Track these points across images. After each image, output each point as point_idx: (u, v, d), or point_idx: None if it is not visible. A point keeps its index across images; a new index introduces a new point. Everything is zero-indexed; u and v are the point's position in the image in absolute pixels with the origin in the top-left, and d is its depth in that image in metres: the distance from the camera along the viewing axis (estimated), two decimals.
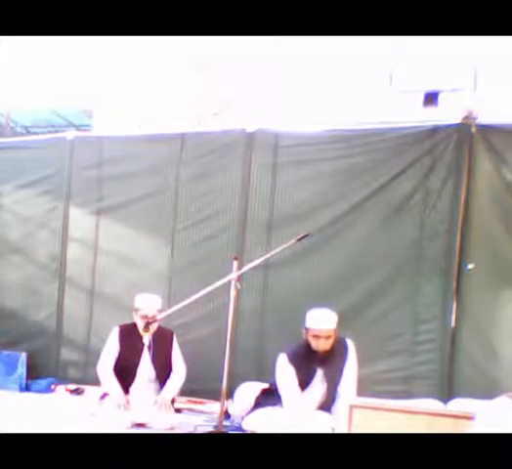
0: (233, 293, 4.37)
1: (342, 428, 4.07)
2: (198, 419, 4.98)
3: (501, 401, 3.48)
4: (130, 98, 8.36)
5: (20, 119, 10.57)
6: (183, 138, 5.77)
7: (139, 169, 5.88)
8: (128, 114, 8.22)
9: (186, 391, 5.16)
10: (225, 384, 4.30)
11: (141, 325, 4.93)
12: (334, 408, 4.47)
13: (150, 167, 5.84)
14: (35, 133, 9.35)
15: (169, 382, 4.96)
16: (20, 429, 4.10)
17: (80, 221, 6.11)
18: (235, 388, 4.99)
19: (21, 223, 6.34)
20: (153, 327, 4.90)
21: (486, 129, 4.90)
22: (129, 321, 5.08)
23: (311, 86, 7.67)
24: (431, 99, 7.43)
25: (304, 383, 4.47)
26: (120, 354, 5.01)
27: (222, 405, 4.32)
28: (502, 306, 4.84)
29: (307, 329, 4.44)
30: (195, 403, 5.45)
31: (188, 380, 5.03)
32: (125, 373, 4.94)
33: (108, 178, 6.00)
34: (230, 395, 4.71)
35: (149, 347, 4.98)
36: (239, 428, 4.63)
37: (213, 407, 5.20)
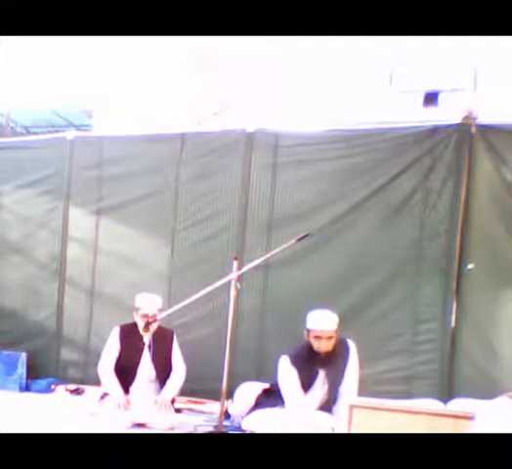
0: (233, 293, 4.37)
1: (342, 428, 4.07)
2: (198, 419, 4.98)
3: (501, 401, 3.48)
4: (130, 98, 8.35)
5: (20, 119, 10.56)
6: (183, 138, 5.77)
7: (139, 169, 5.88)
8: (128, 114, 8.21)
9: (186, 391, 5.16)
10: (225, 384, 4.30)
11: (141, 325, 4.93)
12: (335, 409, 4.47)
13: (150, 167, 5.84)
14: (35, 133, 9.34)
15: (169, 382, 4.96)
16: (20, 429, 4.10)
17: (80, 221, 6.11)
18: (235, 388, 5.00)
19: (20, 223, 6.34)
20: (153, 327, 4.90)
21: (486, 129, 4.90)
22: (129, 321, 5.09)
23: (311, 86, 7.66)
24: (431, 99, 7.43)
25: (306, 385, 4.47)
26: (121, 353, 5.01)
27: (222, 405, 4.33)
28: (502, 306, 4.85)
29: (308, 331, 4.44)
30: (195, 403, 5.45)
31: (188, 380, 5.03)
32: (125, 373, 4.94)
33: (108, 178, 6.01)
34: (230, 395, 4.71)
35: (149, 347, 4.98)
36: (239, 428, 4.63)
37: (213, 407, 5.20)
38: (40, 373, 6.06)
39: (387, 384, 4.98)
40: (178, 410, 5.10)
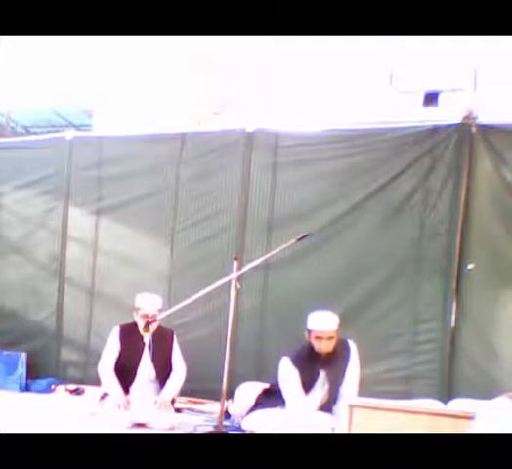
0: (233, 293, 4.37)
1: (342, 428, 4.07)
2: (198, 419, 4.98)
3: (501, 401, 3.48)
4: (130, 98, 8.35)
5: (20, 119, 10.56)
6: (182, 138, 5.77)
7: (138, 169, 5.88)
8: (128, 114, 8.21)
9: (186, 391, 5.16)
10: (225, 384, 4.30)
11: (141, 325, 4.93)
12: (335, 409, 4.47)
13: (150, 167, 5.84)
14: (35, 133, 9.33)
15: (169, 382, 4.96)
16: (20, 429, 4.10)
17: (80, 221, 6.10)
18: (235, 388, 5.00)
19: (20, 223, 6.34)
20: (153, 327, 4.90)
21: (486, 129, 4.90)
22: (129, 321, 5.09)
23: (311, 86, 7.66)
24: (431, 99, 7.43)
25: (307, 385, 4.47)
26: (121, 353, 5.01)
27: (222, 405, 4.33)
28: (502, 306, 4.84)
29: (309, 331, 4.44)
30: (195, 403, 5.45)
31: (188, 380, 5.03)
32: (125, 373, 4.94)
33: (108, 178, 6.00)
34: (230, 395, 4.71)
35: (149, 347, 4.98)
36: (239, 428, 4.63)
37: (213, 407, 5.20)
38: (40, 373, 6.06)
39: (387, 384, 4.98)
40: (178, 410, 5.10)
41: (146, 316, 4.91)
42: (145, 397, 4.88)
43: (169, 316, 4.84)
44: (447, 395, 4.81)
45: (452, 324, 4.93)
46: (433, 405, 4.62)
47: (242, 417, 4.68)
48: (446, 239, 4.95)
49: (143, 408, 4.78)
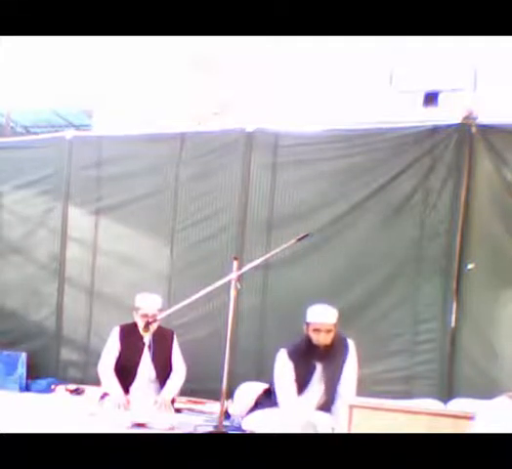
0: (233, 293, 4.37)
1: (342, 428, 4.07)
2: (198, 419, 4.98)
3: (501, 401, 3.48)
4: (130, 98, 8.35)
5: (20, 119, 10.56)
6: (182, 137, 5.77)
7: (138, 169, 5.88)
8: (128, 114, 8.21)
9: (186, 391, 5.16)
10: (225, 384, 4.30)
11: (141, 325, 4.93)
12: (334, 408, 4.47)
13: (150, 167, 5.84)
14: (35, 133, 9.33)
15: (169, 382, 4.96)
16: (20, 429, 4.10)
17: (79, 221, 6.10)
18: (235, 388, 5.00)
19: (20, 223, 6.33)
20: (153, 327, 4.90)
21: (486, 129, 4.90)
22: (129, 321, 5.08)
23: (311, 86, 7.66)
24: (431, 99, 7.43)
25: (303, 379, 4.48)
26: (121, 353, 5.01)
27: (222, 405, 4.32)
28: (502, 306, 4.85)
29: (308, 324, 4.47)
30: (195, 403, 5.45)
31: (188, 380, 5.03)
32: (125, 373, 4.94)
33: (108, 177, 6.00)
34: (230, 395, 4.71)
35: (149, 347, 4.98)
36: (239, 428, 4.63)
37: (213, 407, 5.20)
38: (40, 373, 6.06)
39: (387, 384, 4.98)
40: (178, 410, 5.10)
41: (145, 315, 4.91)
42: (145, 397, 4.88)
43: (169, 316, 4.84)
44: (447, 395, 4.81)
45: (452, 324, 4.93)
46: (433, 404, 4.62)
47: (242, 417, 4.68)
48: (446, 239, 4.95)
49: (143, 408, 4.77)
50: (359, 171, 5.20)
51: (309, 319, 4.47)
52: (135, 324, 5.02)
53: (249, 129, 5.56)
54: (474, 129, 4.92)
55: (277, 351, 4.64)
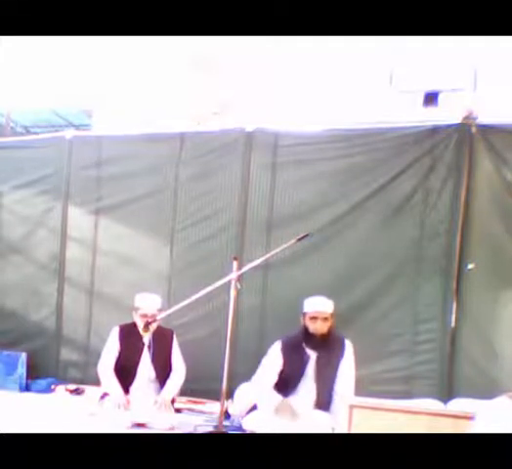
0: (233, 293, 4.38)
1: (342, 427, 4.07)
2: (198, 419, 4.98)
3: (501, 401, 3.48)
4: (130, 98, 8.35)
5: (20, 119, 10.56)
6: (182, 137, 5.77)
7: (138, 169, 5.87)
8: (128, 114, 8.21)
9: (186, 391, 5.16)
10: (225, 384, 4.30)
11: (141, 325, 4.93)
12: (333, 408, 4.48)
13: (149, 167, 5.83)
14: (35, 133, 9.33)
15: (169, 382, 4.96)
16: (20, 429, 4.10)
17: (79, 220, 6.10)
18: (235, 388, 4.99)
19: (20, 222, 6.33)
20: (153, 327, 4.90)
21: (486, 129, 4.90)
22: (129, 321, 5.08)
23: (311, 86, 7.66)
24: (431, 99, 7.43)
25: (298, 370, 4.53)
26: (120, 353, 5.01)
27: (222, 405, 4.32)
28: (502, 306, 4.84)
29: (304, 314, 4.60)
30: (195, 403, 5.45)
31: (188, 380, 5.03)
32: (125, 373, 4.94)
33: (107, 177, 6.00)
34: (230, 395, 4.71)
35: (148, 347, 4.98)
36: (239, 428, 4.63)
37: (213, 407, 5.20)
38: (40, 373, 6.06)
39: (387, 384, 4.98)
40: (178, 410, 5.09)
41: (145, 315, 4.91)
42: (145, 397, 4.88)
43: (169, 316, 4.84)
44: (447, 395, 4.81)
45: (452, 324, 4.93)
46: (433, 405, 4.62)
47: (242, 417, 4.68)
48: (446, 239, 4.95)
49: (143, 408, 4.77)
50: (359, 171, 5.20)
51: (306, 309, 4.61)
52: (134, 324, 5.02)
53: (249, 129, 5.55)
54: (474, 129, 4.92)
55: None
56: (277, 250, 4.75)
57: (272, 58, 7.88)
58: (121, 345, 5.02)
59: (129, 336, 5.01)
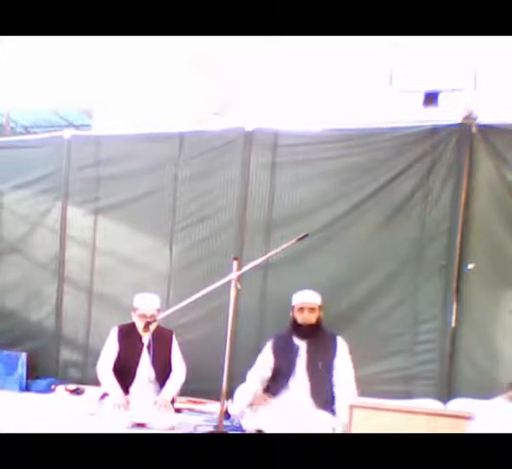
0: (233, 293, 4.38)
1: (346, 428, 4.08)
2: (198, 419, 4.98)
3: (498, 402, 3.47)
4: (130, 98, 8.34)
5: (19, 119, 10.56)
6: (181, 137, 5.77)
7: (137, 168, 5.87)
8: (128, 115, 8.20)
9: (186, 391, 5.15)
10: (225, 384, 4.30)
11: (140, 325, 4.93)
12: (336, 409, 4.49)
13: (149, 166, 5.83)
14: (35, 133, 9.32)
15: (169, 382, 4.96)
16: (20, 429, 4.10)
17: (79, 220, 6.10)
18: (235, 388, 4.99)
19: (19, 222, 6.33)
20: (153, 327, 4.90)
21: (486, 129, 4.90)
22: (128, 321, 5.08)
23: (311, 86, 7.65)
24: (431, 99, 7.42)
25: (288, 361, 4.64)
26: (119, 354, 5.01)
27: (222, 405, 4.33)
28: (502, 306, 4.84)
29: (293, 307, 4.78)
30: (195, 403, 5.45)
31: (188, 380, 5.03)
32: (125, 373, 4.94)
33: (107, 177, 6.00)
34: (230, 395, 4.71)
35: (148, 347, 4.98)
36: (239, 428, 4.63)
37: (213, 407, 5.20)
38: (40, 373, 6.06)
39: (387, 384, 4.98)
40: (178, 410, 5.09)
41: (144, 316, 4.91)
42: (144, 397, 4.88)
43: (169, 316, 4.84)
44: (446, 395, 4.81)
45: (452, 324, 4.93)
46: (433, 405, 4.62)
47: (242, 417, 4.68)
48: (446, 239, 4.95)
49: (143, 409, 4.77)
50: (359, 171, 5.20)
51: (293, 302, 4.80)
52: (133, 325, 5.02)
53: (248, 128, 5.55)
54: (474, 129, 4.92)
55: None
56: (277, 250, 4.75)
57: (272, 58, 7.87)
58: (120, 345, 5.01)
59: (128, 336, 5.01)
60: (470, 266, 4.87)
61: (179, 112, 7.90)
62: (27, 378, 6.00)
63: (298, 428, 4.21)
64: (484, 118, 4.96)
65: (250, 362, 5.08)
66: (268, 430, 4.36)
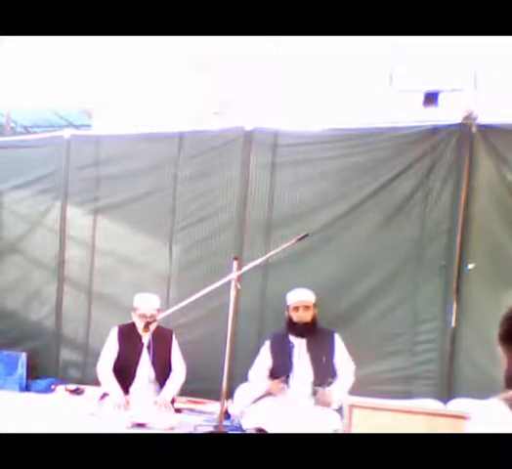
0: (233, 293, 4.38)
1: (345, 401, 4.14)
2: (198, 419, 4.98)
3: (493, 402, 3.47)
4: (130, 98, 8.34)
5: (19, 119, 10.56)
6: (181, 137, 5.77)
7: (136, 168, 5.88)
8: (128, 115, 8.21)
9: (186, 391, 5.16)
10: (225, 384, 4.30)
11: (140, 325, 4.93)
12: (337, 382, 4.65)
13: (148, 166, 5.83)
14: (35, 133, 9.32)
15: (169, 382, 4.96)
16: (20, 429, 4.10)
17: (78, 220, 6.11)
18: (235, 388, 4.99)
19: (19, 222, 6.33)
20: (153, 327, 4.90)
21: (486, 129, 4.90)
22: (128, 321, 5.08)
23: (311, 86, 7.65)
24: (431, 99, 7.42)
25: (286, 355, 4.69)
26: (119, 354, 5.01)
27: (222, 405, 4.33)
28: (502, 306, 4.83)
29: (288, 306, 4.83)
30: (195, 403, 5.45)
31: (188, 380, 5.03)
32: (125, 373, 4.94)
33: (106, 177, 6.00)
34: (230, 395, 4.71)
35: (148, 347, 4.98)
36: (239, 428, 4.63)
37: (213, 407, 5.20)
38: (40, 373, 6.06)
39: (387, 384, 4.98)
40: (178, 410, 5.10)
41: (143, 316, 4.91)
42: (144, 397, 4.88)
43: (169, 316, 4.84)
44: (446, 395, 4.82)
45: (452, 324, 4.93)
46: (433, 405, 4.62)
47: (242, 417, 4.68)
48: (446, 239, 4.95)
49: (143, 409, 4.77)
50: (359, 171, 5.20)
51: (288, 302, 4.84)
52: (133, 325, 5.02)
53: (248, 128, 5.55)
54: (474, 129, 4.92)
55: None
56: (278, 250, 4.75)
57: (272, 58, 7.87)
58: (120, 345, 5.02)
59: (128, 336, 5.01)
60: (470, 266, 4.87)
61: (179, 112, 7.90)
62: (27, 378, 6.00)
63: (300, 427, 4.22)
64: (484, 118, 4.96)
65: (250, 362, 5.09)
66: (269, 428, 4.36)
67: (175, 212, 5.74)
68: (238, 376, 4.90)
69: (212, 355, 4.93)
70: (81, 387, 5.87)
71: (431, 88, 7.48)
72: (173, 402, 4.97)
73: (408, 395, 4.88)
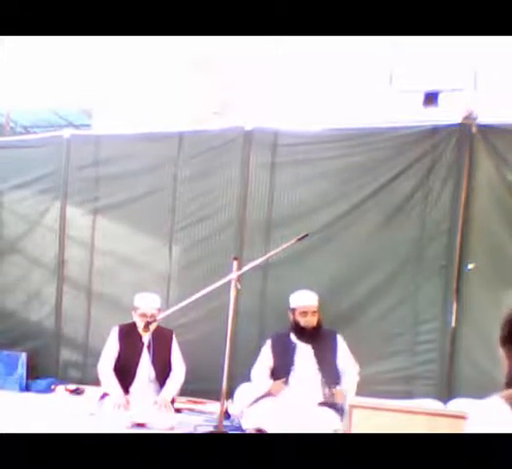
0: (233, 293, 4.37)
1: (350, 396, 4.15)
2: (198, 419, 4.98)
3: (493, 401, 3.47)
4: (130, 98, 8.34)
5: (19, 119, 10.56)
6: (180, 136, 5.76)
7: (136, 168, 5.87)
8: (128, 115, 8.21)
9: (186, 391, 5.16)
10: (225, 384, 4.30)
11: (140, 325, 4.93)
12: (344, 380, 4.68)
13: (148, 166, 5.83)
14: (35, 133, 9.32)
15: (169, 382, 4.96)
16: (20, 429, 4.10)
17: (78, 220, 6.10)
18: (235, 388, 4.99)
19: (19, 222, 6.33)
20: (153, 327, 4.90)
21: (486, 129, 4.90)
22: (129, 321, 5.08)
23: (311, 86, 7.65)
24: (431, 99, 7.42)
25: (286, 360, 4.69)
26: (120, 353, 5.01)
27: (222, 405, 4.33)
28: (502, 306, 4.84)
29: (294, 310, 4.77)
30: (195, 403, 5.45)
31: (188, 380, 5.03)
32: (125, 373, 4.94)
33: (106, 177, 6.00)
34: (230, 395, 4.71)
35: (148, 347, 4.98)
36: (239, 428, 4.63)
37: (213, 407, 5.20)
38: (40, 373, 6.06)
39: (387, 384, 4.98)
40: (178, 410, 5.10)
41: (144, 315, 4.91)
42: (144, 397, 4.88)
43: (169, 316, 4.84)
44: (447, 395, 4.82)
45: (452, 324, 4.93)
46: (433, 405, 4.62)
47: (242, 417, 4.68)
48: (446, 239, 4.95)
49: (143, 409, 4.77)
50: (359, 171, 5.20)
51: (294, 305, 4.78)
52: (134, 324, 5.02)
53: (248, 128, 5.55)
54: (474, 129, 4.92)
55: None
56: (278, 250, 4.75)
57: (272, 58, 7.87)
58: (121, 345, 5.02)
59: (128, 336, 5.01)
60: (470, 266, 4.87)
61: (179, 112, 7.90)
62: (27, 378, 6.00)
63: (299, 427, 4.22)
64: (484, 118, 4.96)
65: (250, 362, 5.09)
66: (269, 429, 4.36)
67: (175, 212, 5.74)
68: (238, 376, 4.90)
69: (212, 355, 4.93)
70: (81, 387, 5.87)
71: (431, 88, 7.48)
72: (173, 402, 4.97)
73: (409, 395, 4.88)
